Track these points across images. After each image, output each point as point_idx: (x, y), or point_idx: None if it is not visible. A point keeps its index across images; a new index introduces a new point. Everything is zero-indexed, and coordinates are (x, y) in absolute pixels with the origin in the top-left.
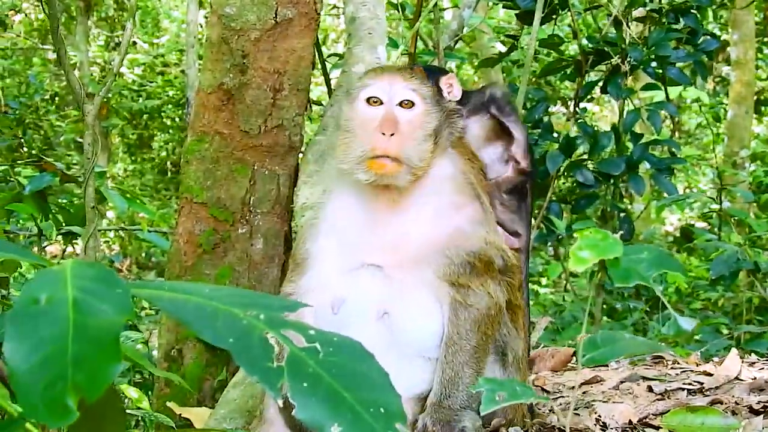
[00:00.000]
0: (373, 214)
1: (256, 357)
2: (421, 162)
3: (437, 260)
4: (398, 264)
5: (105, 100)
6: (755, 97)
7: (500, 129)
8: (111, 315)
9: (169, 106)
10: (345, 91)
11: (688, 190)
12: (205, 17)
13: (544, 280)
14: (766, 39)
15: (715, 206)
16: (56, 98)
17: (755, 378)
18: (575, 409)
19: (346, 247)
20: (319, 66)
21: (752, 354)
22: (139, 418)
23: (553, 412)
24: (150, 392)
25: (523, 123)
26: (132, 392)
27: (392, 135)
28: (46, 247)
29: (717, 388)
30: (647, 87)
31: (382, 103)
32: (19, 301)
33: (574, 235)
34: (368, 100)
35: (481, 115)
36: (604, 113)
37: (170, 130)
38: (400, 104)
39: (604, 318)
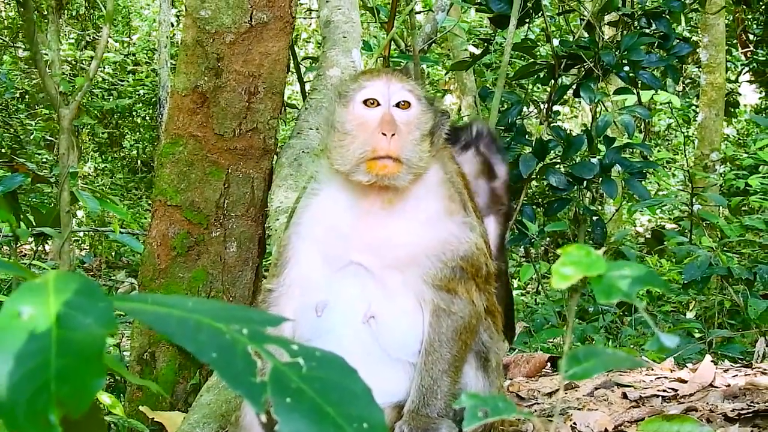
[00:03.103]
0: (362, 215)
1: (239, 372)
2: (421, 162)
3: (427, 264)
4: (386, 265)
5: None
6: (725, 99)
7: (485, 165)
8: (94, 329)
9: (140, 105)
10: (334, 93)
11: (659, 192)
12: (177, 16)
13: (516, 282)
14: (735, 41)
15: (686, 208)
16: (26, 96)
17: (729, 385)
18: (550, 416)
19: (332, 245)
20: (294, 69)
21: (725, 359)
22: (112, 424)
23: (529, 420)
24: (122, 395)
25: (505, 160)
26: (105, 398)
27: (393, 135)
28: (18, 247)
29: (691, 395)
30: (620, 91)
31: (379, 104)
32: (1, 315)
33: (547, 237)
34: (365, 101)
35: (471, 153)
36: (575, 114)
37: (141, 129)
38: (398, 105)
39: (576, 320)
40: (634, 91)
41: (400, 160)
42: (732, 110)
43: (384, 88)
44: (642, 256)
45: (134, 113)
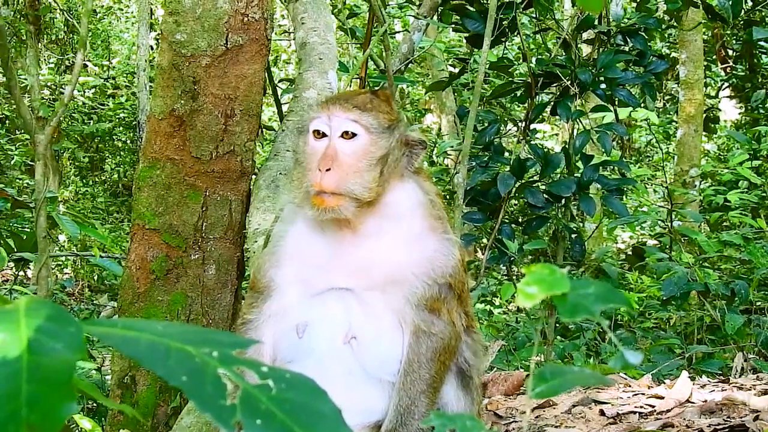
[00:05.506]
0: (338, 240)
1: (209, 395)
2: (367, 191)
3: (415, 282)
4: (368, 287)
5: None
6: (705, 115)
7: None
8: (64, 354)
9: (121, 128)
10: (297, 120)
11: (639, 209)
12: (156, 39)
13: (497, 301)
14: (714, 57)
15: (666, 224)
16: (7, 121)
17: (706, 400)
18: None
19: (310, 271)
20: (270, 91)
21: (703, 375)
22: None
23: None
24: (103, 419)
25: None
26: (85, 423)
27: (328, 170)
28: None
29: (668, 411)
30: (597, 108)
31: (326, 135)
32: None
33: (528, 256)
34: (315, 133)
35: None
36: (555, 132)
37: (122, 153)
38: (343, 135)
39: (558, 338)
40: (612, 108)
41: (339, 193)
42: (712, 126)
43: (327, 119)
44: (623, 272)
45: (115, 137)
